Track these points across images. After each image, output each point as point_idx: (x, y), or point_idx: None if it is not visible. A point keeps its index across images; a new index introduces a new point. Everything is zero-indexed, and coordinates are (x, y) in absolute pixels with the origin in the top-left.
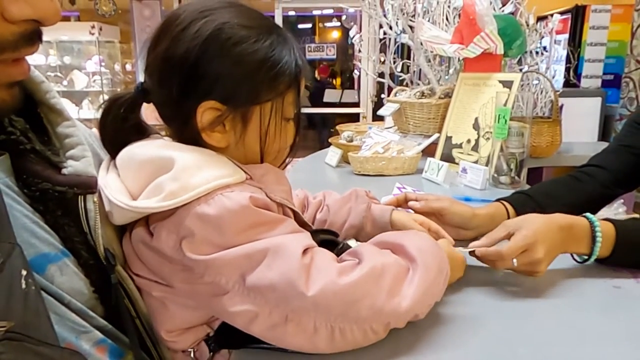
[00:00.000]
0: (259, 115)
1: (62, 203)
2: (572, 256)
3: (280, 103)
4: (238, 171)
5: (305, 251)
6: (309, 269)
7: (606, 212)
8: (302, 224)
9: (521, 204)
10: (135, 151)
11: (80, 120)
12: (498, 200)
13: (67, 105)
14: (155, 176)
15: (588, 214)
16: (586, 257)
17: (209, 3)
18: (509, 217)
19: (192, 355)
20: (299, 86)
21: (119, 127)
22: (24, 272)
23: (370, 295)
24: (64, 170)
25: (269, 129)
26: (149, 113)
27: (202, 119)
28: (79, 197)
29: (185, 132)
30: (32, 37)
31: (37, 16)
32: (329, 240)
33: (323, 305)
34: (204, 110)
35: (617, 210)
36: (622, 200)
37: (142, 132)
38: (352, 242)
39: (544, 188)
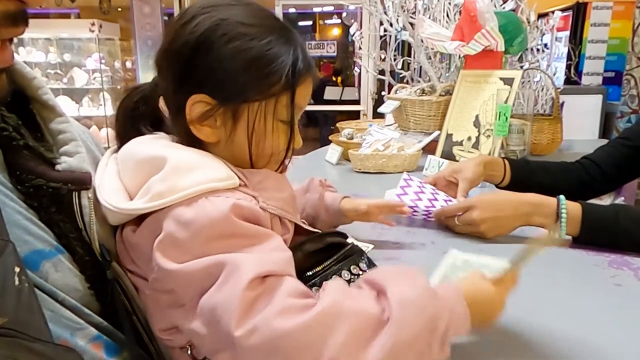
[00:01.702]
0: (247, 113)
1: (56, 199)
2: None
3: (271, 104)
4: (232, 176)
5: (264, 278)
6: (252, 303)
7: None
8: (306, 231)
9: (518, 163)
10: (135, 149)
11: (80, 118)
12: (504, 158)
13: (67, 103)
14: (150, 176)
15: (561, 196)
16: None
17: (216, 0)
18: (504, 169)
19: (189, 352)
20: (294, 88)
21: (128, 115)
22: (17, 269)
23: (311, 349)
24: (58, 167)
25: (255, 130)
26: None
27: (190, 112)
28: (74, 193)
29: (178, 124)
30: (15, 18)
31: None
32: (337, 243)
33: (250, 351)
34: (194, 103)
35: None
36: (622, 198)
37: (156, 125)
38: (365, 246)
39: (543, 163)
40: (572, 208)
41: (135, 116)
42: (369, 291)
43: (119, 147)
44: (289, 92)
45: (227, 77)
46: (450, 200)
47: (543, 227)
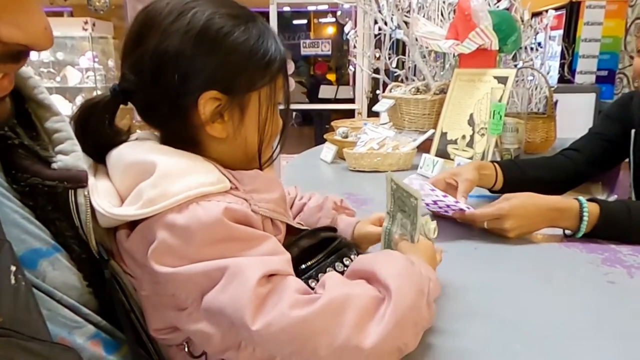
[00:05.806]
0: (257, 101)
1: (52, 198)
2: (563, 231)
3: (273, 88)
4: (223, 180)
5: (269, 277)
6: (263, 300)
7: None
8: (297, 230)
9: (506, 164)
10: (123, 152)
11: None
12: (492, 161)
13: (60, 102)
14: (139, 181)
15: (581, 198)
16: (572, 233)
17: None
18: (495, 172)
19: (185, 349)
20: (286, 70)
21: (103, 132)
22: (13, 268)
23: (327, 332)
24: (54, 165)
25: (267, 114)
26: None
27: (204, 110)
28: (70, 191)
29: (179, 126)
30: (18, 56)
31: (28, 42)
32: (330, 237)
33: (271, 341)
34: (206, 101)
35: None
36: (615, 196)
37: (122, 134)
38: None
39: (529, 160)
40: (592, 209)
41: (110, 132)
42: (360, 279)
43: (96, 160)
44: (283, 73)
45: (235, 70)
46: (457, 203)
47: (567, 229)
